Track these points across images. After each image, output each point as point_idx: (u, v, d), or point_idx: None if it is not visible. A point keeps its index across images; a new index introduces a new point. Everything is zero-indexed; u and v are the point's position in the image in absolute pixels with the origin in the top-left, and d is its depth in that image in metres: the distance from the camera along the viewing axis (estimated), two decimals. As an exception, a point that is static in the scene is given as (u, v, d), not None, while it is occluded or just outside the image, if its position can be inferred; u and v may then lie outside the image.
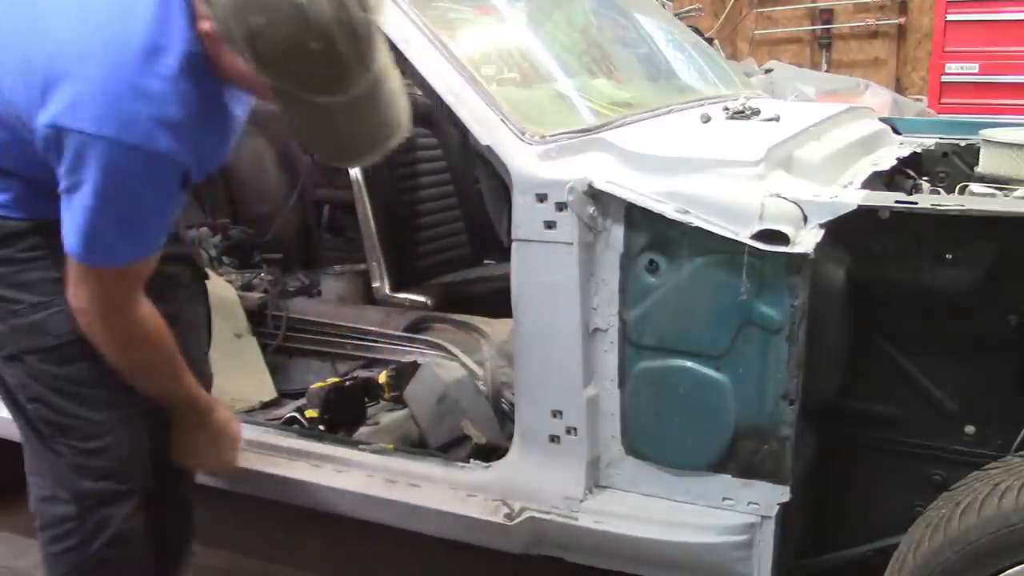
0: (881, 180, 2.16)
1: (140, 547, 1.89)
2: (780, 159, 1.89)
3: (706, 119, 2.17)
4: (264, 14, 1.37)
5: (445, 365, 2.45)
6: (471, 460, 2.16)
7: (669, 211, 1.80)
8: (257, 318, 2.79)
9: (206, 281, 2.12)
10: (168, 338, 1.78)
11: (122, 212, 1.56)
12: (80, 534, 1.83)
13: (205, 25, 1.49)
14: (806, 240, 1.71)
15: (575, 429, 1.98)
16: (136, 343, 1.73)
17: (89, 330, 1.69)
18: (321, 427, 2.45)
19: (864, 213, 1.72)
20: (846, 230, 1.77)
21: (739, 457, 1.87)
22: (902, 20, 8.10)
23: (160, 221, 1.65)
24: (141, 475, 1.87)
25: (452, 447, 2.34)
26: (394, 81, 1.55)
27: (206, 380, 2.06)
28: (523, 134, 1.99)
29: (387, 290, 2.82)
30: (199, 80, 1.54)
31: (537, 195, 1.91)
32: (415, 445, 2.36)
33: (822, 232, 1.73)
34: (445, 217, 3.15)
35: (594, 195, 1.87)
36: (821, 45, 8.48)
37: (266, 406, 2.66)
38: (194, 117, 1.54)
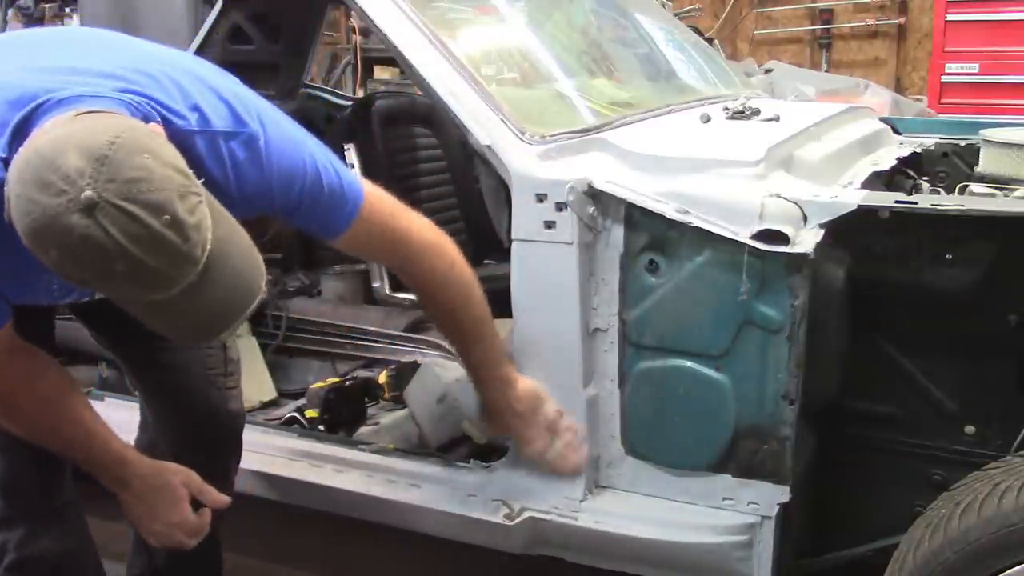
0: (881, 180, 2.16)
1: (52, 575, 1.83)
2: (780, 159, 1.89)
3: (706, 119, 2.17)
4: (56, 248, 1.25)
5: (445, 365, 2.45)
6: (471, 460, 2.16)
7: (669, 211, 1.80)
8: (257, 318, 2.79)
9: None
10: (40, 400, 1.65)
11: None
12: None
13: None
14: (806, 240, 1.72)
15: (575, 429, 1.98)
16: None
17: None
18: (321, 427, 2.45)
19: (864, 213, 1.72)
20: (846, 230, 1.77)
21: (739, 457, 1.87)
22: (902, 20, 8.10)
23: None
24: (32, 504, 1.82)
25: (452, 447, 2.34)
26: (235, 246, 1.39)
27: (211, 402, 2.00)
28: (523, 134, 1.99)
29: (387, 290, 2.82)
30: None
31: (537, 195, 1.91)
32: (415, 445, 2.36)
33: (822, 232, 1.73)
34: (445, 217, 3.14)
35: (594, 195, 1.87)
36: (821, 45, 8.48)
37: (266, 406, 2.66)
38: None
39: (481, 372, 1.95)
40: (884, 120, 2.70)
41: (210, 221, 1.32)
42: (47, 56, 1.51)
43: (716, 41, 6.55)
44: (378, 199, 1.78)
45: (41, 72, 1.44)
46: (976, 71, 6.65)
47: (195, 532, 1.78)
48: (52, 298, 1.69)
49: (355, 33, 5.82)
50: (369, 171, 2.87)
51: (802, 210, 1.75)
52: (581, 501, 2.00)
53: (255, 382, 2.68)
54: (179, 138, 1.45)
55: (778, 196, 1.76)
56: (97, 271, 1.27)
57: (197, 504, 1.78)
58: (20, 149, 1.29)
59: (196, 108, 1.51)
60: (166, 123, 1.47)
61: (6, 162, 1.35)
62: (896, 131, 2.66)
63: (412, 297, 2.79)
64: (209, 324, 1.39)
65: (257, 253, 1.43)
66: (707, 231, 1.77)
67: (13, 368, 1.62)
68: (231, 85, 1.62)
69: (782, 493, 1.85)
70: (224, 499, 1.83)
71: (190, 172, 1.33)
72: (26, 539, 1.81)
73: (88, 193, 1.22)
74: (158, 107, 1.47)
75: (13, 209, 1.27)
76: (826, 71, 8.05)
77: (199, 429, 1.95)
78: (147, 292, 1.30)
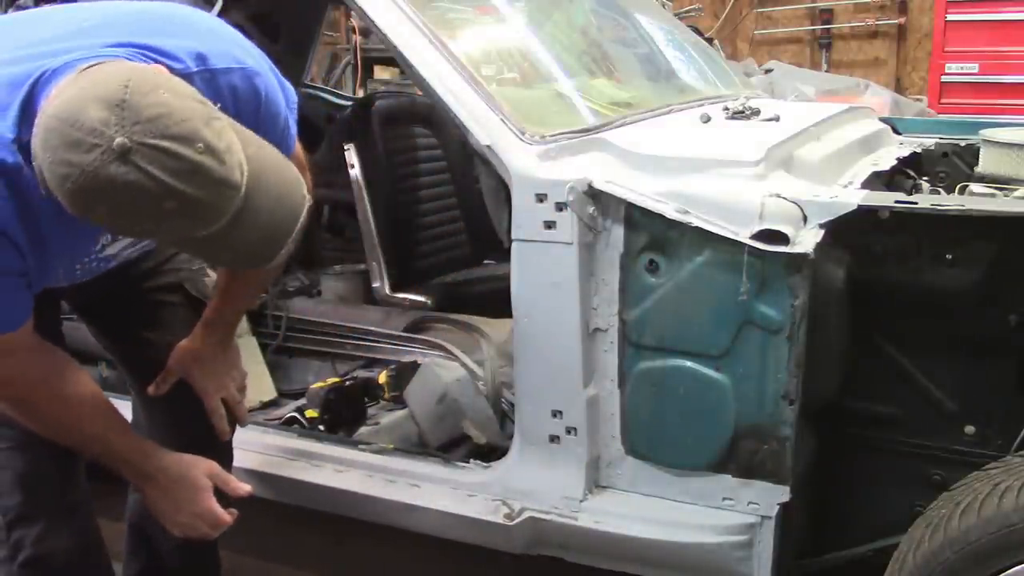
0: (881, 180, 2.16)
1: (66, 572, 1.84)
2: (780, 159, 1.89)
3: (706, 119, 2.17)
4: (104, 203, 1.26)
5: (445, 365, 2.45)
6: (471, 460, 2.16)
7: (669, 211, 1.80)
8: (257, 318, 2.79)
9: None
10: (59, 398, 1.65)
11: None
12: (6, 549, 1.83)
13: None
14: (806, 240, 1.72)
15: (575, 429, 1.98)
16: (9, 403, 1.67)
17: None
18: (321, 427, 2.45)
19: (864, 213, 1.72)
20: (846, 230, 1.77)
21: (739, 457, 1.87)
22: (902, 20, 8.10)
23: None
24: (49, 499, 1.83)
25: (452, 447, 2.34)
26: (269, 162, 1.40)
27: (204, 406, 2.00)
28: (523, 134, 1.99)
29: (387, 290, 2.82)
30: (23, 189, 1.40)
31: (537, 195, 1.91)
32: (415, 445, 2.36)
33: (822, 232, 1.73)
34: (445, 217, 3.15)
35: (594, 195, 1.87)
36: (821, 45, 8.48)
37: (266, 406, 2.66)
38: (6, 220, 1.42)
39: (222, 315, 1.94)
40: (884, 120, 2.70)
41: (239, 143, 1.33)
42: (36, 33, 1.51)
43: (716, 41, 6.54)
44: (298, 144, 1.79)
45: (34, 47, 1.45)
46: (976, 71, 6.66)
47: (218, 523, 1.78)
48: (74, 278, 1.70)
49: (355, 33, 5.82)
50: (369, 171, 2.87)
51: (802, 210, 1.74)
52: (581, 501, 2.00)
53: (255, 382, 2.68)
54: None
55: (778, 196, 1.76)
56: (149, 215, 1.28)
57: (219, 495, 1.79)
58: (36, 121, 1.30)
59: (192, 50, 1.51)
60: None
61: (19, 143, 1.36)
62: (896, 131, 2.66)
63: (412, 297, 2.80)
64: (270, 242, 1.40)
65: (290, 164, 1.45)
66: (707, 231, 1.77)
67: (33, 367, 1.62)
68: (224, 26, 1.63)
69: (782, 493, 1.85)
70: (246, 488, 1.84)
71: (206, 100, 1.34)
72: (42, 536, 1.82)
73: (119, 140, 1.22)
74: (152, 53, 1.47)
75: (49, 180, 1.28)
76: (826, 71, 8.06)
77: (195, 432, 1.95)
78: (199, 226, 1.31)
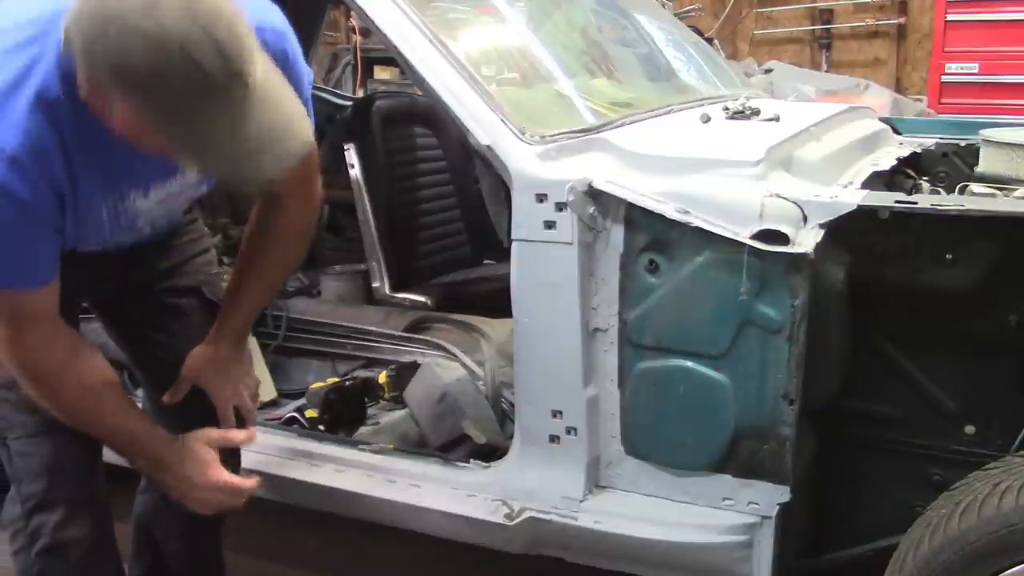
0: (881, 180, 2.16)
1: (82, 562, 1.85)
2: (780, 159, 1.89)
3: (706, 119, 2.17)
4: (134, 54, 1.29)
5: (445, 365, 2.44)
6: (471, 460, 2.16)
7: (669, 211, 1.80)
8: (257, 318, 2.79)
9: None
10: (73, 379, 1.66)
11: None
12: (24, 537, 1.83)
13: (82, 90, 1.42)
14: (806, 240, 1.72)
15: (575, 429, 1.98)
16: (31, 379, 1.66)
17: None
18: (321, 427, 2.45)
19: (864, 213, 1.72)
20: (846, 230, 1.77)
21: (739, 457, 1.87)
22: (902, 20, 8.10)
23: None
24: (71, 486, 1.84)
25: (452, 447, 2.33)
26: (279, 88, 1.45)
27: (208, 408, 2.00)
28: (523, 134, 1.99)
29: (387, 290, 2.82)
30: (60, 121, 1.45)
31: (537, 195, 1.91)
32: (415, 445, 2.36)
33: (822, 232, 1.73)
34: (445, 217, 3.15)
35: (594, 195, 1.87)
36: (821, 45, 8.48)
37: (266, 406, 2.66)
38: (47, 155, 1.45)
39: (234, 320, 1.95)
40: (884, 120, 2.70)
41: (257, 56, 1.38)
42: None
43: (716, 41, 6.56)
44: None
45: None
46: (976, 71, 6.65)
47: (237, 490, 1.80)
48: (103, 241, 1.69)
49: (355, 33, 5.83)
50: (369, 171, 2.87)
51: (802, 210, 1.75)
52: (581, 501, 2.00)
53: (255, 382, 2.68)
54: None
55: (778, 196, 1.76)
56: (152, 69, 1.29)
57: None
58: (72, 15, 1.33)
59: None
60: None
61: (61, 71, 1.41)
62: (896, 131, 2.66)
63: (412, 297, 2.80)
64: (270, 149, 1.41)
65: (298, 100, 1.48)
66: (707, 231, 1.77)
67: (59, 343, 1.63)
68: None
69: (782, 493, 1.85)
70: (252, 432, 1.87)
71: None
72: (61, 524, 1.82)
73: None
74: None
75: (95, 61, 1.31)
76: (826, 71, 8.05)
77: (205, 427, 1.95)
78: (204, 81, 1.31)
